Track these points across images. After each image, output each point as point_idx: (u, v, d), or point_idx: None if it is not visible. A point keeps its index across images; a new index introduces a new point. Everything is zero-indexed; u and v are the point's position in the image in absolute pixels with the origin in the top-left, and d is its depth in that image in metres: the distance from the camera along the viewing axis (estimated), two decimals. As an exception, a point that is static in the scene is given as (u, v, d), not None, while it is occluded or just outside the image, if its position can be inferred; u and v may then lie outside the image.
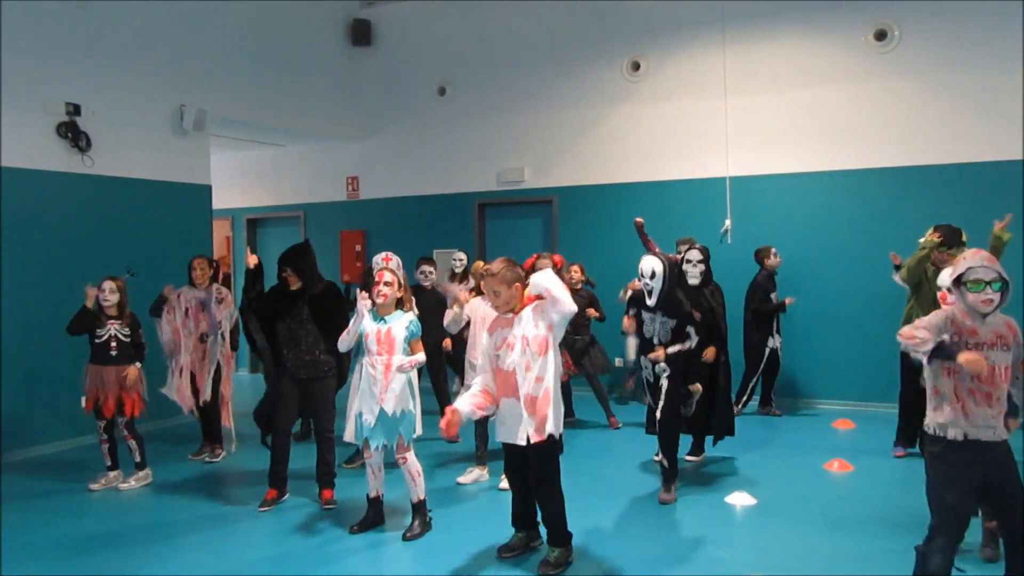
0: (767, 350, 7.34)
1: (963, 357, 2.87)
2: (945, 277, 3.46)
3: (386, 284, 4.34)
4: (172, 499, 5.26)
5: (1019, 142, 7.04)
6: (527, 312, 3.82)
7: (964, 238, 5.38)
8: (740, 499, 4.91)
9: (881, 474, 5.47)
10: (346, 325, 4.52)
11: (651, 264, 4.73)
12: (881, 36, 7.59)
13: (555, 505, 3.90)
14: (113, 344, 5.36)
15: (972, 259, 3.06)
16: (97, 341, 5.37)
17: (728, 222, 8.21)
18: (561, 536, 3.93)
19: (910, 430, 5.74)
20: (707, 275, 5.49)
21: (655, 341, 4.84)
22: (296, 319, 4.92)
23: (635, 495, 5.05)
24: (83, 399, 5.40)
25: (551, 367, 3.77)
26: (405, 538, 4.37)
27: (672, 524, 4.57)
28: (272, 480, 5.03)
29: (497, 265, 3.87)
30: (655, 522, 4.62)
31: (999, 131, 7.14)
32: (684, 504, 4.89)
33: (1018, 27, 7.02)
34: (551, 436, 3.76)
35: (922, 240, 5.50)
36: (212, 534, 4.56)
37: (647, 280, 4.75)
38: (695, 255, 5.44)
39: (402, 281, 4.55)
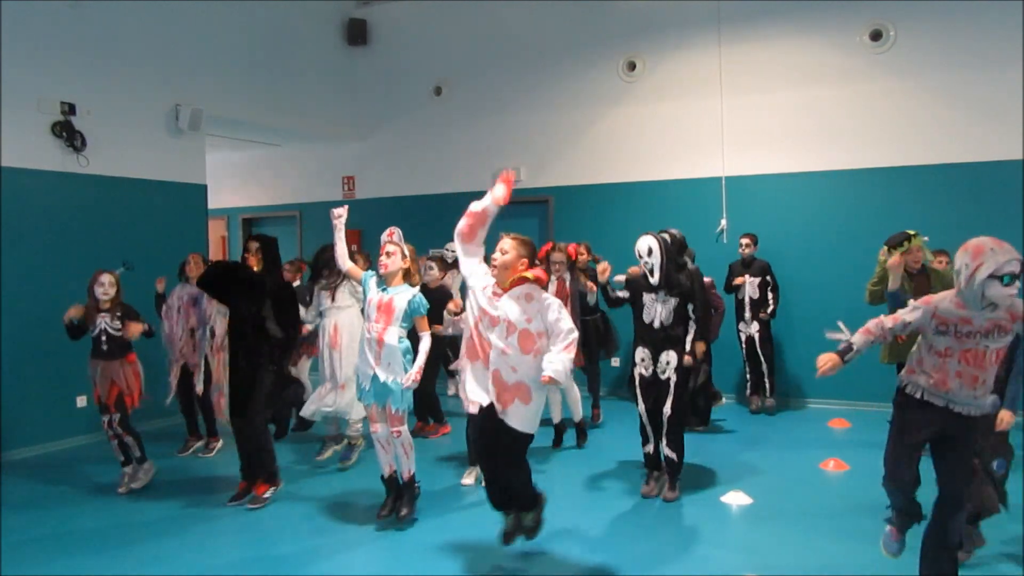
0: (742, 336, 7.52)
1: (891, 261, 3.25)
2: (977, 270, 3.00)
3: (388, 255, 4.46)
4: (166, 497, 5.23)
5: (1014, 142, 7.05)
6: (512, 297, 3.60)
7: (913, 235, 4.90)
8: (736, 498, 4.92)
9: (877, 473, 5.39)
10: (295, 324, 5.02)
11: (646, 242, 4.81)
12: (877, 36, 7.61)
13: (520, 481, 3.74)
14: (104, 339, 5.32)
15: (1003, 251, 2.95)
16: (92, 336, 5.36)
17: (724, 222, 8.22)
18: (531, 500, 3.80)
19: None
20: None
21: (656, 325, 4.81)
22: (251, 301, 4.88)
23: (629, 494, 5.05)
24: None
25: (534, 368, 3.55)
26: (400, 518, 4.46)
27: (668, 523, 4.58)
28: (243, 473, 5.06)
29: (515, 235, 3.71)
30: (651, 521, 4.63)
31: (994, 131, 7.15)
32: (680, 503, 4.90)
33: (1013, 27, 7.04)
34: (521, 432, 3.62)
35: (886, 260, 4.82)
36: (209, 534, 4.55)
37: (646, 259, 4.78)
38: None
39: (407, 253, 4.57)
